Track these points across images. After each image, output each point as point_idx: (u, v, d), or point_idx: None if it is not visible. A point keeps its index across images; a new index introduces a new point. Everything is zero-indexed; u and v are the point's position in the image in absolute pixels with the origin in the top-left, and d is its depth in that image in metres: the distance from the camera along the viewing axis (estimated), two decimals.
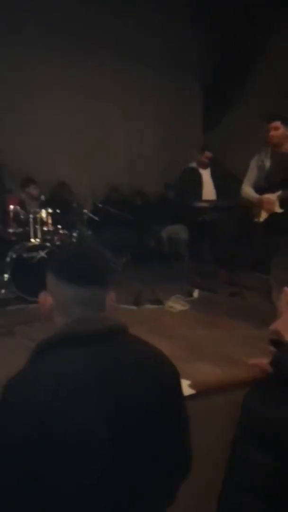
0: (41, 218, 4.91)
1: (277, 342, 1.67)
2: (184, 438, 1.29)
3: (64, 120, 7.17)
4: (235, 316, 3.85)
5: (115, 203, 6.79)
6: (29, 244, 4.74)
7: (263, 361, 1.73)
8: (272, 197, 3.75)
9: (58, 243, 4.95)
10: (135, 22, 7.40)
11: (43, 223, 4.92)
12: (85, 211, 5.67)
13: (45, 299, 1.24)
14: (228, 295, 4.64)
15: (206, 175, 5.34)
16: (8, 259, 4.72)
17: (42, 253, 4.67)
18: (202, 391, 2.33)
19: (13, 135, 6.81)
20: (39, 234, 4.85)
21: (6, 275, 4.65)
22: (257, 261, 5.02)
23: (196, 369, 2.55)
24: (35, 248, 4.71)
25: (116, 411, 1.10)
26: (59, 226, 5.10)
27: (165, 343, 1.32)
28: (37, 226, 4.86)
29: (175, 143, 7.97)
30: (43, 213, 4.95)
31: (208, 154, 5.32)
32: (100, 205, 6.23)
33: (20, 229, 4.93)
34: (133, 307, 4.17)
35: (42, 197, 5.63)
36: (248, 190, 4.03)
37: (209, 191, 5.29)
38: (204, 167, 5.34)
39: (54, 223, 5.03)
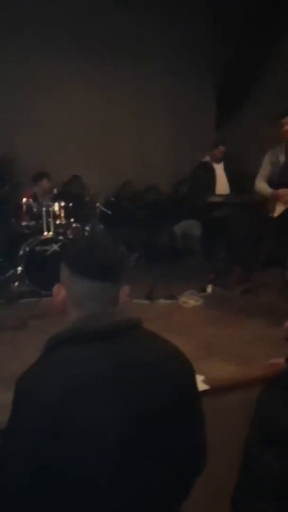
0: (54, 212, 4.91)
1: None
2: (198, 434, 1.27)
3: (78, 115, 7.16)
4: (249, 313, 3.82)
5: (127, 198, 6.76)
6: (42, 237, 4.75)
7: (281, 361, 1.70)
8: None
9: (70, 236, 4.95)
10: (148, 21, 7.39)
11: (55, 216, 4.92)
12: (98, 205, 5.66)
13: (59, 292, 1.22)
14: (241, 292, 4.60)
15: (219, 169, 5.30)
16: (21, 252, 4.74)
17: (55, 247, 4.68)
18: (216, 388, 2.30)
19: (27, 130, 6.83)
20: (52, 228, 4.85)
21: (19, 268, 4.67)
22: (271, 257, 4.96)
23: (209, 366, 2.53)
24: (48, 241, 4.71)
25: (130, 407, 1.08)
26: (72, 220, 5.09)
27: (178, 339, 1.29)
28: (50, 220, 4.86)
29: (187, 138, 7.92)
30: (56, 207, 4.95)
31: (221, 148, 5.28)
32: (112, 199, 6.21)
33: (33, 223, 4.94)
34: (146, 302, 4.15)
35: (55, 191, 5.63)
36: (262, 185, 3.99)
37: (222, 185, 5.24)
38: (218, 162, 5.30)
39: (67, 217, 5.03)
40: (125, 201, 6.21)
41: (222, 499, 1.62)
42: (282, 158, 3.84)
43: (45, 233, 4.81)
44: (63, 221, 4.98)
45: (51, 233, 4.83)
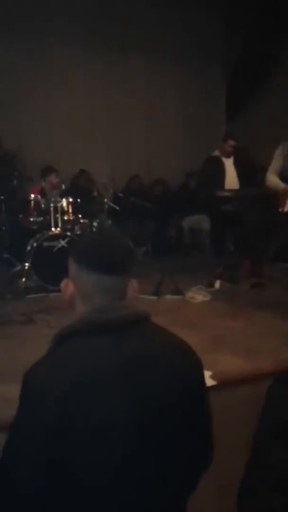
0: (62, 207, 4.91)
1: None
2: (206, 428, 1.27)
3: (86, 110, 7.16)
4: (258, 307, 3.80)
5: (136, 192, 6.75)
6: (50, 233, 4.75)
7: None
8: None
9: (78, 232, 4.95)
10: (159, 13, 7.34)
11: (63, 212, 4.92)
12: (106, 200, 5.65)
13: (67, 286, 1.22)
14: (250, 286, 4.58)
15: (229, 164, 5.25)
16: (29, 248, 4.75)
17: (63, 242, 4.68)
18: (223, 383, 2.30)
19: (35, 125, 6.84)
20: (59, 223, 4.85)
21: (27, 264, 4.68)
22: (281, 251, 4.93)
23: (217, 361, 2.52)
24: (56, 237, 4.72)
25: (137, 400, 1.08)
26: (80, 215, 5.09)
27: (185, 334, 1.29)
28: (58, 215, 4.86)
29: (197, 132, 7.89)
30: (64, 202, 4.94)
31: (231, 142, 5.22)
32: (120, 194, 6.20)
33: (41, 218, 4.94)
34: (154, 297, 4.15)
35: (63, 186, 5.62)
36: (273, 179, 3.96)
37: (232, 180, 5.20)
38: (227, 156, 5.25)
39: (75, 212, 5.02)
40: (133, 195, 6.19)
41: (229, 493, 1.62)
42: None
43: (53, 229, 4.81)
44: (71, 217, 4.97)
45: (58, 229, 4.83)
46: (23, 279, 4.64)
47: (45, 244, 4.67)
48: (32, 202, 4.96)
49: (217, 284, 4.59)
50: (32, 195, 5.03)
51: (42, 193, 5.31)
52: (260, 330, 3.23)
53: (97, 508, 1.06)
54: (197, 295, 4.17)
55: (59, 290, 1.26)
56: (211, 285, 4.55)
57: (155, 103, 7.72)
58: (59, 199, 4.99)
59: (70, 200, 4.99)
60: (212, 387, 2.15)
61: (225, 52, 8.05)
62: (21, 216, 5.07)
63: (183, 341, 1.25)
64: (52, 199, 5.00)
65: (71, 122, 7.07)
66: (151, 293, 4.18)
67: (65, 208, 4.94)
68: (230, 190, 5.01)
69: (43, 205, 4.95)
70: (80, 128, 7.13)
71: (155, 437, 1.10)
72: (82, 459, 1.02)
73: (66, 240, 4.69)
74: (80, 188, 6.22)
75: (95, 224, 5.21)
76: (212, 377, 2.24)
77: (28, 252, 4.71)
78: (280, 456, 1.42)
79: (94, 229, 5.17)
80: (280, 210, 3.83)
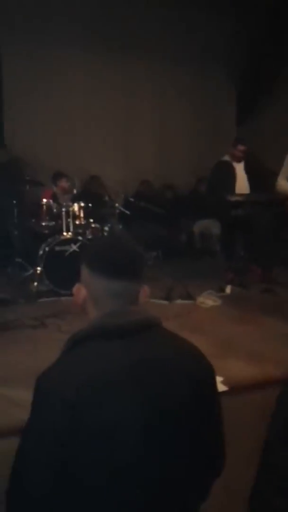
0: (73, 212, 4.94)
1: None
2: (218, 434, 1.27)
3: (97, 115, 7.19)
4: (268, 312, 3.77)
5: (146, 197, 6.77)
6: (62, 237, 4.78)
7: None
8: None
9: (89, 236, 4.97)
10: (167, 16, 7.35)
11: (75, 216, 4.94)
12: (117, 205, 5.67)
13: (79, 290, 1.23)
14: (261, 292, 4.56)
15: (239, 168, 5.25)
16: (40, 252, 4.78)
17: (74, 247, 4.70)
18: (234, 388, 2.29)
19: (47, 130, 6.89)
20: (71, 228, 4.88)
21: (38, 268, 4.71)
22: None
23: (227, 366, 2.51)
24: (67, 241, 4.74)
25: (149, 405, 1.09)
26: (91, 220, 5.12)
27: (196, 339, 1.29)
28: (69, 220, 4.89)
29: (207, 136, 7.89)
30: (75, 207, 4.97)
31: (241, 147, 5.22)
32: (131, 199, 6.22)
33: (53, 223, 4.97)
34: (164, 302, 4.15)
35: (74, 191, 5.66)
36: (284, 184, 3.94)
37: (242, 185, 5.20)
38: (238, 161, 5.25)
39: (86, 217, 5.05)
40: (143, 200, 6.21)
41: (238, 498, 1.61)
42: None
43: (65, 233, 4.83)
44: (82, 222, 5.00)
45: (70, 233, 4.85)
46: (35, 283, 4.67)
47: (57, 248, 4.70)
48: (44, 207, 5.00)
49: (228, 289, 4.57)
50: (44, 200, 5.07)
51: (54, 198, 5.35)
52: (271, 335, 3.21)
53: (106, 510, 1.07)
54: (208, 300, 4.16)
55: (70, 295, 1.27)
56: (222, 290, 4.53)
57: (166, 109, 7.73)
58: (70, 204, 5.03)
59: (82, 204, 5.02)
60: (223, 392, 2.15)
61: (235, 57, 8.04)
62: (33, 220, 5.11)
63: (194, 346, 1.25)
64: (64, 203, 5.04)
65: (83, 128, 7.11)
66: (162, 298, 4.18)
67: (77, 213, 4.98)
68: (241, 195, 5.00)
69: (55, 210, 4.98)
70: (92, 133, 7.16)
71: (165, 440, 1.10)
72: (93, 462, 1.03)
73: (78, 244, 4.71)
74: (92, 193, 6.24)
75: (106, 228, 5.23)
76: (223, 382, 2.24)
77: (40, 256, 4.74)
78: None
79: (105, 234, 5.19)
80: None
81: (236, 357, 2.73)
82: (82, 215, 5.00)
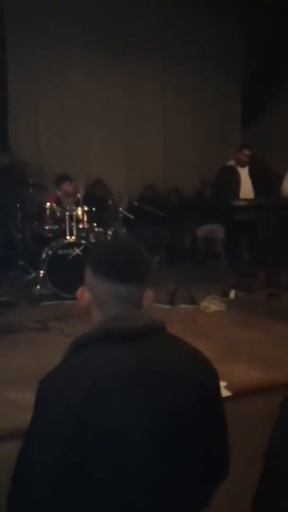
0: (77, 216, 4.94)
1: None
2: (222, 439, 1.26)
3: (101, 119, 7.20)
4: (273, 317, 3.76)
5: (151, 201, 6.76)
6: (65, 241, 4.78)
7: None
8: None
9: (93, 240, 4.97)
10: (174, 21, 7.38)
11: (78, 220, 4.95)
12: (121, 209, 5.67)
13: (83, 295, 1.22)
14: (266, 296, 4.54)
15: (244, 173, 5.24)
16: (44, 255, 4.78)
17: (77, 250, 4.70)
18: (239, 393, 2.27)
19: (52, 133, 6.91)
20: (74, 232, 4.88)
21: (41, 272, 4.71)
22: None
23: (231, 371, 2.49)
24: (71, 245, 4.74)
25: (152, 410, 1.08)
26: (95, 224, 5.11)
27: (199, 344, 1.28)
28: (73, 224, 4.89)
29: (212, 140, 7.89)
30: (79, 211, 4.97)
31: (246, 152, 5.21)
32: (135, 203, 6.22)
33: (56, 226, 4.98)
34: (168, 306, 4.13)
35: (78, 195, 5.67)
36: None
37: (247, 189, 5.18)
38: (242, 165, 5.24)
39: (90, 221, 5.05)
40: (148, 204, 6.20)
41: (242, 502, 1.60)
42: None
43: (68, 237, 4.84)
44: (86, 225, 5.00)
45: (73, 237, 4.85)
46: (38, 287, 4.67)
47: (60, 252, 4.70)
48: (48, 210, 5.01)
49: (232, 294, 4.55)
50: (48, 204, 5.07)
51: (58, 201, 5.36)
52: (275, 340, 3.19)
53: None
54: (212, 305, 4.14)
55: (73, 298, 1.27)
56: (226, 294, 4.52)
57: (171, 112, 7.74)
58: (74, 207, 5.03)
59: (86, 208, 5.03)
60: (227, 397, 2.13)
61: (240, 62, 8.06)
62: (36, 224, 5.12)
63: (198, 351, 1.24)
64: (68, 207, 5.04)
65: (88, 131, 7.13)
66: (166, 302, 4.17)
67: (80, 217, 4.98)
68: (245, 200, 5.00)
69: (58, 213, 4.99)
70: (97, 137, 7.18)
71: (169, 444, 1.09)
72: (97, 465, 1.03)
73: (81, 248, 4.71)
74: (96, 197, 6.24)
75: (109, 232, 5.23)
76: (227, 387, 2.22)
77: (43, 260, 4.74)
78: None
79: (108, 238, 5.19)
80: None
81: (240, 362, 2.72)
82: (85, 219, 5.00)
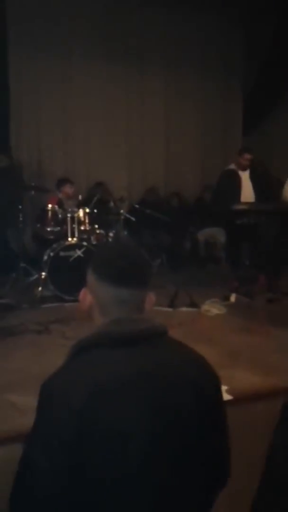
0: (79, 218, 4.95)
1: None
2: (223, 444, 1.26)
3: (103, 121, 7.20)
4: (273, 322, 3.76)
5: (152, 204, 6.77)
6: (66, 243, 4.78)
7: None
8: None
9: (94, 242, 4.98)
10: (177, 26, 7.39)
11: (80, 222, 4.95)
12: (122, 211, 5.68)
13: (85, 297, 1.22)
14: (266, 301, 4.54)
15: (245, 177, 5.25)
16: (45, 257, 4.79)
17: (79, 252, 4.70)
18: (239, 398, 2.27)
19: (53, 136, 6.91)
20: (76, 234, 4.89)
21: (43, 273, 4.71)
22: None
23: (232, 375, 2.49)
24: (72, 247, 4.75)
25: (154, 414, 1.08)
26: (96, 226, 5.12)
27: (200, 348, 1.28)
28: (74, 226, 4.90)
29: (214, 144, 7.90)
30: (81, 213, 4.98)
31: (247, 156, 5.22)
32: (136, 206, 6.22)
33: (58, 228, 4.98)
34: (168, 309, 4.13)
35: (80, 197, 5.67)
36: None
37: (248, 193, 5.19)
38: (243, 169, 5.25)
39: (91, 223, 5.06)
40: (149, 207, 6.21)
41: (241, 507, 1.59)
42: None
43: (69, 239, 4.84)
44: (87, 227, 5.01)
45: (75, 239, 4.86)
46: (39, 289, 4.67)
47: (62, 253, 4.70)
48: (49, 212, 5.01)
49: (233, 298, 4.56)
50: (50, 205, 5.08)
51: (60, 203, 5.37)
52: (275, 345, 3.19)
53: None
54: (212, 308, 4.14)
55: (74, 300, 1.27)
56: (227, 298, 4.52)
57: (173, 116, 7.75)
58: (75, 209, 5.04)
59: (87, 210, 5.04)
60: (228, 402, 2.13)
61: (243, 66, 8.08)
62: (38, 225, 5.12)
63: (200, 355, 1.24)
64: (69, 209, 5.05)
65: (89, 134, 7.13)
66: (166, 305, 4.17)
67: (82, 219, 4.98)
68: (246, 203, 5.00)
69: (60, 215, 4.99)
70: (99, 140, 7.18)
71: (171, 448, 1.09)
72: (97, 469, 1.03)
73: (82, 250, 4.72)
74: (97, 199, 6.25)
75: (110, 234, 5.24)
76: (228, 391, 2.22)
77: (45, 262, 4.75)
78: None
79: (110, 240, 5.19)
80: None
81: (241, 366, 2.72)
82: (87, 221, 5.01)
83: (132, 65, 7.31)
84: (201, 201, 7.38)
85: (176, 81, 7.65)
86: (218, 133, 8.02)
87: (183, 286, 4.40)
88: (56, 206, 5.11)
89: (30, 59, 6.60)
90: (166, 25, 7.37)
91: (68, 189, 5.69)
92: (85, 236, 4.97)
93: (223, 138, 8.00)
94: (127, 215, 5.75)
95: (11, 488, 1.09)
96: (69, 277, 4.37)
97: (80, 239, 4.88)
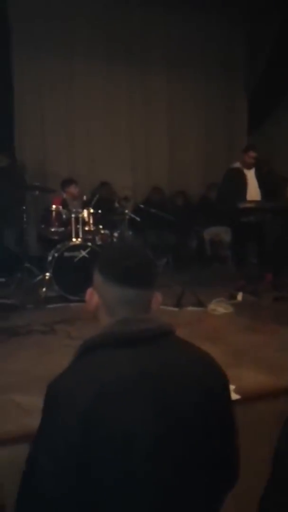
0: (83, 218, 4.94)
1: None
2: (231, 444, 1.24)
3: (108, 123, 7.21)
4: (280, 321, 3.73)
5: (157, 204, 6.76)
6: (71, 243, 4.78)
7: None
8: None
9: (99, 243, 4.97)
10: (179, 25, 7.38)
11: (84, 223, 4.95)
12: (127, 211, 5.67)
13: (91, 297, 1.22)
14: (272, 299, 4.51)
15: (250, 175, 5.22)
16: (50, 258, 4.78)
17: (84, 253, 4.70)
18: (245, 397, 2.25)
19: (58, 136, 6.91)
20: (80, 234, 4.88)
21: (47, 274, 4.71)
22: None
23: (239, 375, 2.48)
24: (77, 247, 4.74)
25: (162, 414, 1.07)
26: (101, 226, 5.11)
27: (207, 347, 1.27)
28: (79, 226, 4.89)
29: (218, 143, 7.88)
30: (85, 213, 4.98)
31: (252, 154, 5.19)
32: (141, 206, 6.21)
33: (62, 229, 4.98)
34: (175, 309, 4.11)
35: (84, 197, 5.67)
36: None
37: (253, 191, 5.16)
38: (248, 167, 5.22)
39: (96, 223, 5.05)
40: (154, 207, 6.20)
41: (248, 508, 1.58)
42: None
43: (74, 239, 4.84)
44: (92, 228, 5.00)
45: (79, 239, 4.85)
46: (44, 289, 4.67)
47: (66, 254, 4.70)
48: (54, 213, 5.01)
49: (239, 297, 4.54)
50: (54, 206, 5.08)
51: (64, 204, 5.36)
52: (282, 344, 3.17)
53: None
54: (219, 308, 4.12)
55: (80, 300, 1.26)
56: (233, 297, 4.50)
57: (177, 115, 7.73)
58: (80, 210, 5.03)
59: (92, 211, 5.03)
60: (235, 401, 2.11)
61: (247, 65, 8.05)
62: (42, 226, 5.12)
63: (208, 355, 1.23)
64: (74, 210, 5.04)
65: (94, 135, 7.13)
66: (173, 305, 4.15)
67: (86, 219, 4.98)
68: (252, 202, 4.97)
69: (64, 216, 4.99)
70: (104, 140, 7.18)
71: (178, 448, 1.08)
72: (105, 470, 1.02)
73: (87, 250, 4.71)
74: (102, 199, 6.25)
75: (115, 234, 5.23)
76: (235, 391, 2.20)
77: (49, 262, 4.74)
78: None
79: (114, 240, 5.18)
80: None
81: (248, 365, 2.70)
82: (91, 221, 5.00)
83: (135, 65, 7.30)
84: (206, 199, 7.35)
85: (178, 80, 7.62)
86: (222, 132, 8.00)
87: (189, 285, 4.38)
88: (61, 207, 5.11)
89: (33, 59, 6.61)
90: (168, 25, 7.36)
91: (73, 189, 5.69)
92: (89, 237, 4.96)
93: (228, 137, 7.98)
94: (132, 215, 5.73)
95: (18, 488, 1.09)
96: (73, 278, 4.36)
97: (85, 240, 4.87)
